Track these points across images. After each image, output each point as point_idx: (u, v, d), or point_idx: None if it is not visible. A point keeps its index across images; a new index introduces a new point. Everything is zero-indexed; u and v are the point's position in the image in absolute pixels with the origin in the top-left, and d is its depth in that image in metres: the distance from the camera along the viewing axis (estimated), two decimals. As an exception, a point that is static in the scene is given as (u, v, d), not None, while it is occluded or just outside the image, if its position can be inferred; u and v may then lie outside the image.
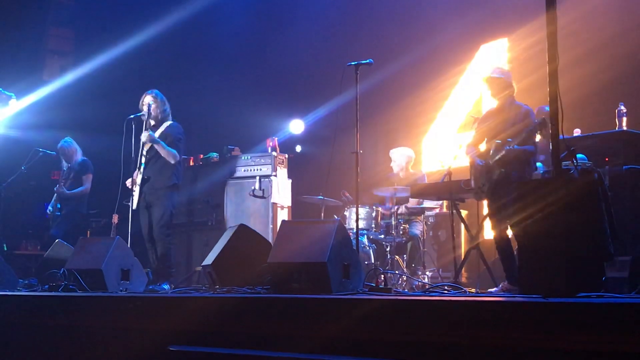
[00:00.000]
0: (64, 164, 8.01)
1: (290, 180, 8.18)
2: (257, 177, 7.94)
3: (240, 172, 8.14)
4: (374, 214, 7.40)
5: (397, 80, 9.01)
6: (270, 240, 6.66)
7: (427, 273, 7.02)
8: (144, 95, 6.42)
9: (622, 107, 5.50)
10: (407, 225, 7.28)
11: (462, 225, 6.31)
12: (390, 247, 7.16)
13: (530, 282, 3.57)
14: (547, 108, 6.31)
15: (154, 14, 9.58)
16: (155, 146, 6.19)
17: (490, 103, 5.70)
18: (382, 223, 7.39)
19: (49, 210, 7.87)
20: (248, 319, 3.79)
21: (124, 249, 5.90)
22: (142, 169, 6.22)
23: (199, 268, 6.85)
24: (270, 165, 7.99)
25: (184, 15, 9.51)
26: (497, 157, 5.19)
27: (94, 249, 5.83)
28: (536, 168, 5.49)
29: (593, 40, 7.05)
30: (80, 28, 11.20)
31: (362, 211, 7.25)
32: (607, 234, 3.78)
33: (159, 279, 6.11)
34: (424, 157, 9.42)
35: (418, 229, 7.38)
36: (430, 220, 7.88)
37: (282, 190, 8.00)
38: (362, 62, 5.51)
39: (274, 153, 8.07)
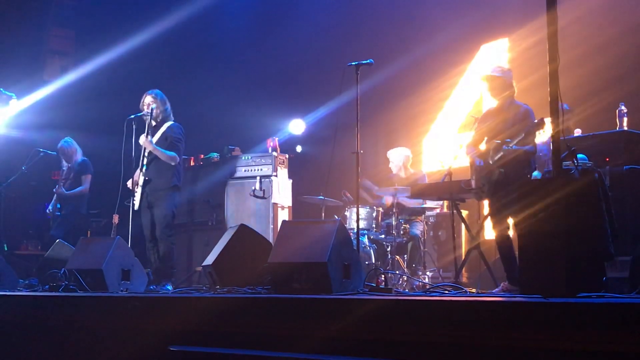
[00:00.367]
0: (64, 164, 8.02)
1: (290, 181, 8.18)
2: (258, 177, 7.94)
3: (241, 172, 8.13)
4: (374, 214, 7.40)
5: (398, 81, 9.01)
6: (270, 240, 6.66)
7: (428, 273, 7.02)
8: (144, 96, 6.43)
9: (623, 107, 5.50)
10: (407, 225, 7.28)
11: (463, 226, 6.30)
12: (390, 247, 7.16)
13: (531, 282, 3.56)
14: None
15: (154, 14, 9.58)
16: (154, 152, 6.21)
17: (491, 103, 5.69)
18: (382, 223, 7.39)
19: (49, 210, 7.88)
20: (248, 319, 3.79)
21: (124, 249, 5.90)
22: (143, 170, 6.23)
23: (200, 268, 6.84)
24: (270, 166, 7.99)
25: (185, 16, 9.51)
26: (496, 158, 5.19)
27: (95, 249, 5.83)
28: (535, 169, 5.48)
29: (593, 40, 7.05)
30: (81, 28, 11.20)
31: (363, 211, 7.26)
32: (607, 234, 3.78)
33: (161, 279, 6.12)
34: (424, 157, 9.43)
35: (418, 229, 7.38)
36: (431, 221, 7.89)
37: (282, 190, 8.00)
38: (363, 62, 5.51)
39: (275, 153, 8.07)
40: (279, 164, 8.06)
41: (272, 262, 4.46)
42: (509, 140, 5.10)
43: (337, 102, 6.19)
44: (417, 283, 6.46)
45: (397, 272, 6.75)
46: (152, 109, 6.30)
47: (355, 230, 5.66)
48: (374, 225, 7.37)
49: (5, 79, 8.84)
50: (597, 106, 6.72)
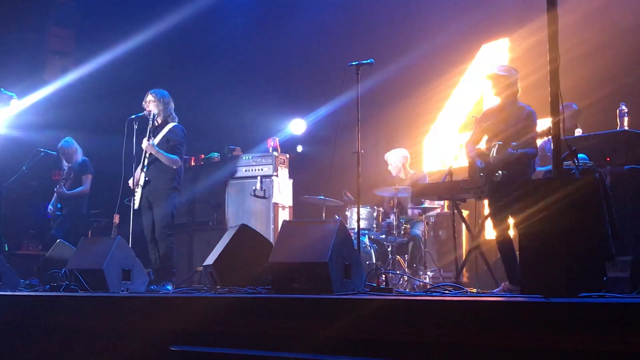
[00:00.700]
0: (65, 164, 8.02)
1: (291, 180, 8.18)
2: (259, 177, 7.94)
3: (242, 172, 8.14)
4: (375, 214, 7.40)
5: (398, 80, 9.00)
6: (271, 240, 6.66)
7: (429, 273, 7.02)
8: (146, 95, 6.43)
9: (624, 107, 5.50)
10: (408, 225, 7.28)
11: (463, 225, 6.30)
12: (391, 247, 7.16)
13: (532, 282, 3.57)
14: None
15: (154, 14, 9.57)
16: (156, 155, 6.21)
17: (492, 102, 5.68)
18: (383, 223, 7.39)
19: (50, 210, 7.88)
20: (249, 319, 3.79)
21: (125, 249, 5.90)
22: (144, 170, 6.23)
23: (200, 268, 6.84)
24: (271, 165, 7.99)
25: (185, 16, 9.51)
26: (498, 159, 5.18)
27: (95, 249, 5.83)
28: (535, 170, 5.48)
29: (594, 40, 7.04)
30: (81, 28, 11.20)
31: (364, 211, 7.26)
32: (608, 233, 3.78)
33: (161, 279, 6.12)
34: (425, 157, 9.42)
35: (419, 229, 7.38)
36: (432, 220, 7.88)
37: (283, 190, 8.00)
38: (363, 62, 5.51)
39: (275, 153, 8.07)
40: (280, 163, 8.06)
41: (272, 262, 4.46)
42: (514, 143, 5.08)
43: (338, 102, 6.20)
44: (418, 283, 6.46)
45: (398, 272, 6.75)
46: (153, 115, 6.30)
47: (356, 230, 5.66)
48: (374, 225, 7.37)
49: (6, 79, 8.85)
50: (597, 106, 6.72)
